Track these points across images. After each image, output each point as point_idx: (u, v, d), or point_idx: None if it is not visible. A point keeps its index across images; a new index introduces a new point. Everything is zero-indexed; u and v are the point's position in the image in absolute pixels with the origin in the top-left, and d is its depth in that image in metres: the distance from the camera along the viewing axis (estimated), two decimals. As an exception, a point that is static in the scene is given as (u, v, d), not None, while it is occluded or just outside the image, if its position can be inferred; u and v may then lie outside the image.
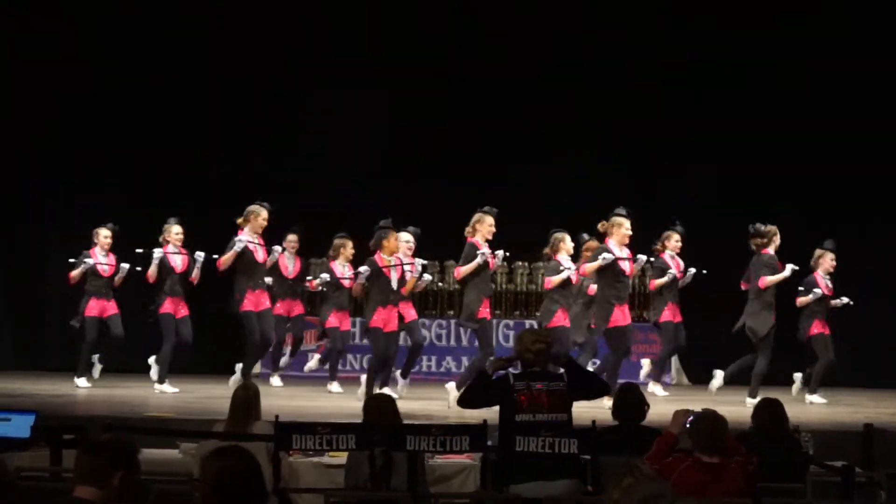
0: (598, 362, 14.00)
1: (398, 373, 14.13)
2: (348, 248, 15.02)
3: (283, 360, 15.76)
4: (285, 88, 17.48)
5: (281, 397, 13.56)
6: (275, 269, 15.20)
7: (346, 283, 14.81)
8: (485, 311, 13.27)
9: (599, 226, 13.54)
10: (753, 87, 16.89)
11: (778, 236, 13.96)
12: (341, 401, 13.42)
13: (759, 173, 16.76)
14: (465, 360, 16.61)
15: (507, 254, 13.57)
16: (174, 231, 14.63)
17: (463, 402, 8.28)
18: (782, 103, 16.64)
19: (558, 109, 17.03)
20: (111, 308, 15.07)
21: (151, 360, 14.63)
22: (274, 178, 16.79)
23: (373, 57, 17.09)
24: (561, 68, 17.24)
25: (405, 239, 14.08)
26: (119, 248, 15.13)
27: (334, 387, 14.79)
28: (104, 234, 15.06)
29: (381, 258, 13.75)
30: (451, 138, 17.16)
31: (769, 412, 8.48)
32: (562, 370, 8.07)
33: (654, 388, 14.34)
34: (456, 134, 17.18)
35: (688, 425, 7.46)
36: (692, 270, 14.65)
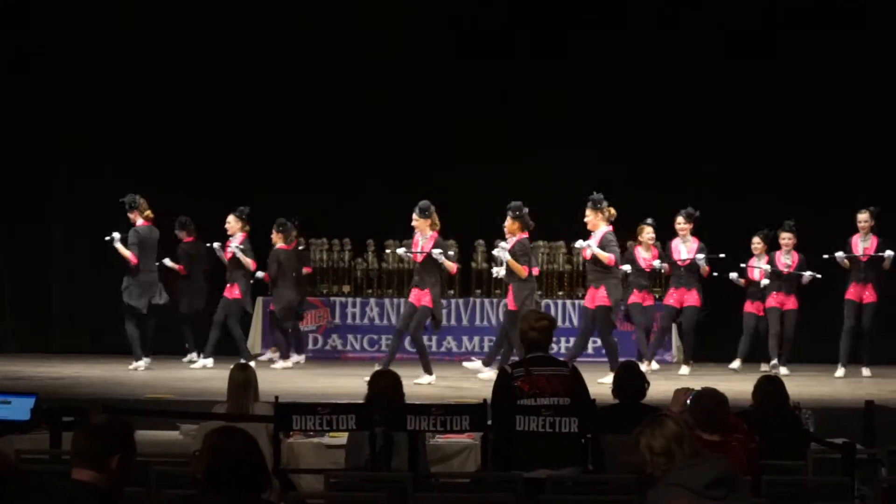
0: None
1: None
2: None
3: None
4: (285, 81, 17.50)
5: (280, 378, 13.54)
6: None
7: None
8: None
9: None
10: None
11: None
12: (341, 381, 13.40)
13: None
14: (481, 340, 16.62)
15: None
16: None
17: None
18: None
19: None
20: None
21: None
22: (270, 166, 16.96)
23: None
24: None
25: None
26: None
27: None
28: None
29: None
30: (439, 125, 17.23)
31: (769, 390, 8.46)
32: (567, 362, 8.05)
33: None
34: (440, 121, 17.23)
35: (688, 403, 7.45)
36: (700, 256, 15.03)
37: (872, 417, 9.91)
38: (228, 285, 15.26)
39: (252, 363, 14.03)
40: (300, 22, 17.29)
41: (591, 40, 17.02)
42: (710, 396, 7.32)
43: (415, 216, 13.72)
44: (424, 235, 13.75)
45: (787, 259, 15.07)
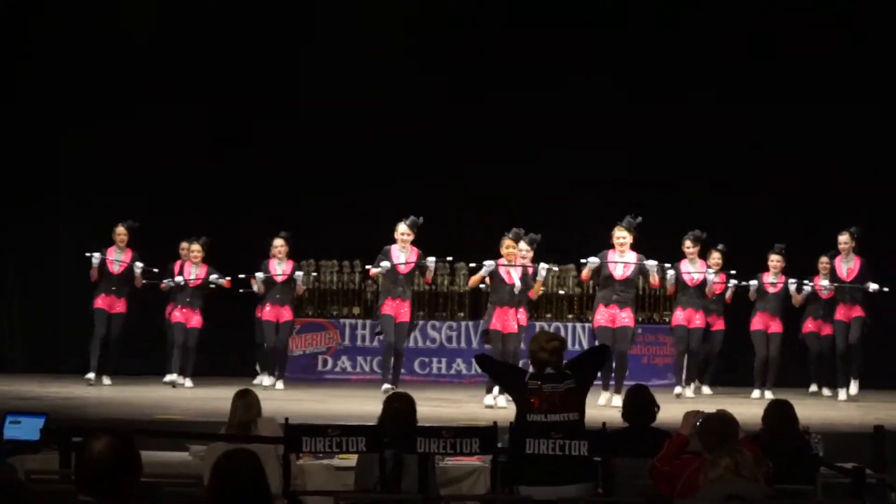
0: None
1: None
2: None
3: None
4: (285, 81, 17.53)
5: (290, 400, 13.54)
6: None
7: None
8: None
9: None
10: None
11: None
12: (351, 402, 13.40)
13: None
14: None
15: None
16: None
17: (481, 362, 8.77)
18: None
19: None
20: (118, 306, 15.21)
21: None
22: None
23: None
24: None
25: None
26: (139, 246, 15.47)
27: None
28: (120, 231, 15.26)
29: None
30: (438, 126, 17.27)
31: (779, 413, 8.45)
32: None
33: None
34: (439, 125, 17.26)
35: (697, 426, 7.43)
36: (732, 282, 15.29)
37: (882, 442, 9.88)
38: (279, 307, 15.34)
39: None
40: (300, 22, 17.33)
41: (591, 40, 17.06)
42: (719, 419, 7.31)
43: (407, 229, 14.01)
44: (406, 249, 14.02)
45: (773, 279, 15.03)
